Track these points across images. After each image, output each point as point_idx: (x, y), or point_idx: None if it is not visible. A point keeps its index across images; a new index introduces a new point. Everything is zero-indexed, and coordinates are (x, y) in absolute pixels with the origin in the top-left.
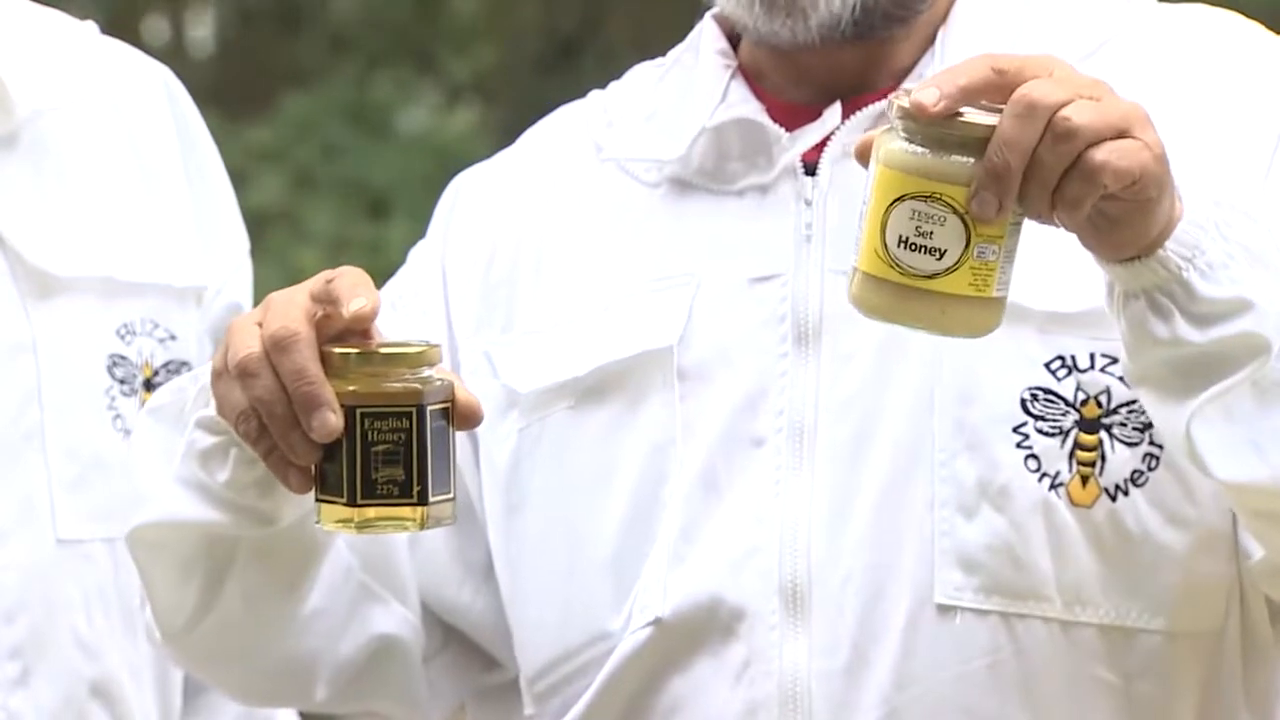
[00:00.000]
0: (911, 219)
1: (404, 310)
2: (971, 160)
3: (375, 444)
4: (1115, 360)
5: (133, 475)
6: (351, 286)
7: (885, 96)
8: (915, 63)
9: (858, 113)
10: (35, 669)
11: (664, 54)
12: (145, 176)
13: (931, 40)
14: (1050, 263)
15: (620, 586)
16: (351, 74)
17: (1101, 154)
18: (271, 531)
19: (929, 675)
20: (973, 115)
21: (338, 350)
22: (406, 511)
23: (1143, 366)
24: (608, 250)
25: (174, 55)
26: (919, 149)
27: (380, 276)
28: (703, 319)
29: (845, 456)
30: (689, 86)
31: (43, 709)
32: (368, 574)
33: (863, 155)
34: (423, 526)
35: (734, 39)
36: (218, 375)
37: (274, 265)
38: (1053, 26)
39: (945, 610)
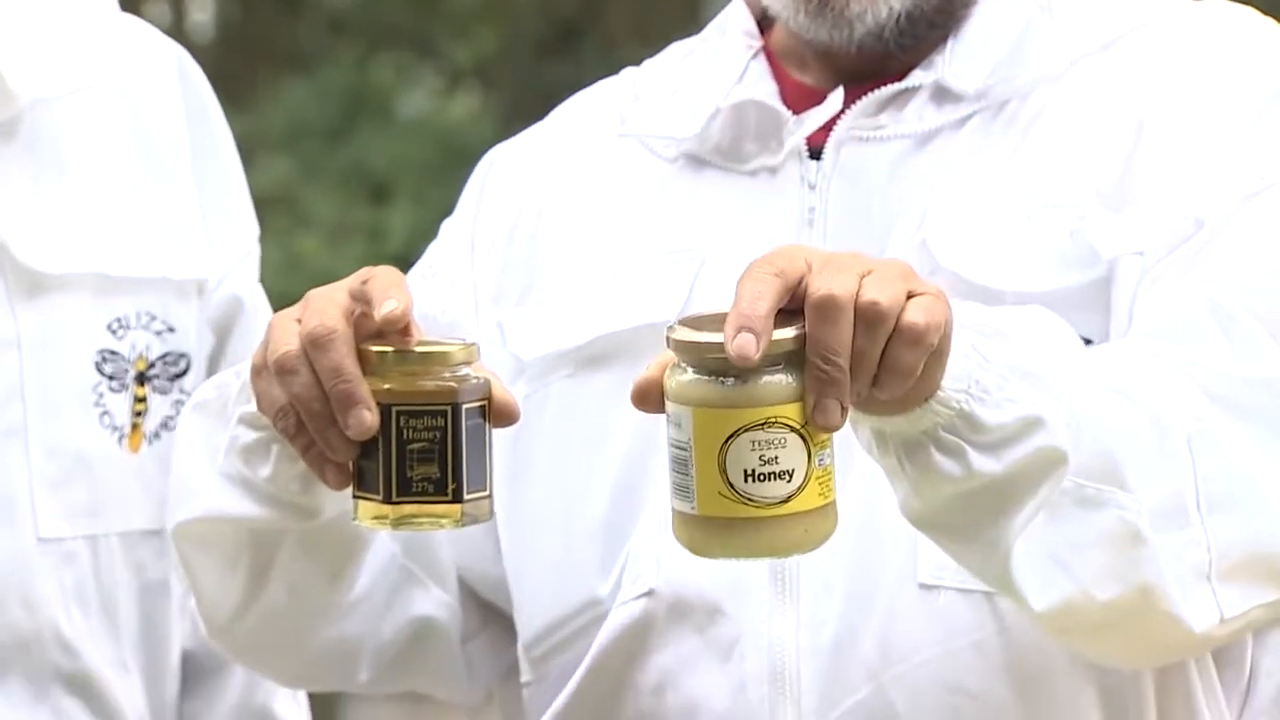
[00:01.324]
0: (753, 450)
1: (436, 281)
2: (788, 375)
3: (410, 442)
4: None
5: (177, 470)
6: (385, 288)
7: (891, 84)
8: (925, 55)
9: (862, 99)
10: (12, 665)
11: (664, 38)
12: (150, 167)
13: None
14: (1010, 246)
15: (609, 552)
16: (352, 59)
17: (919, 317)
18: (314, 525)
19: (915, 653)
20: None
21: (375, 348)
22: (441, 509)
23: (931, 508)
24: (620, 222)
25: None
26: (727, 380)
27: (380, 261)
28: (703, 295)
29: (835, 435)
30: (712, 65)
31: (17, 704)
32: (408, 558)
33: (644, 400)
34: (459, 524)
35: (762, 20)
36: (257, 371)
37: (275, 250)
38: (1069, 21)
39: (929, 589)
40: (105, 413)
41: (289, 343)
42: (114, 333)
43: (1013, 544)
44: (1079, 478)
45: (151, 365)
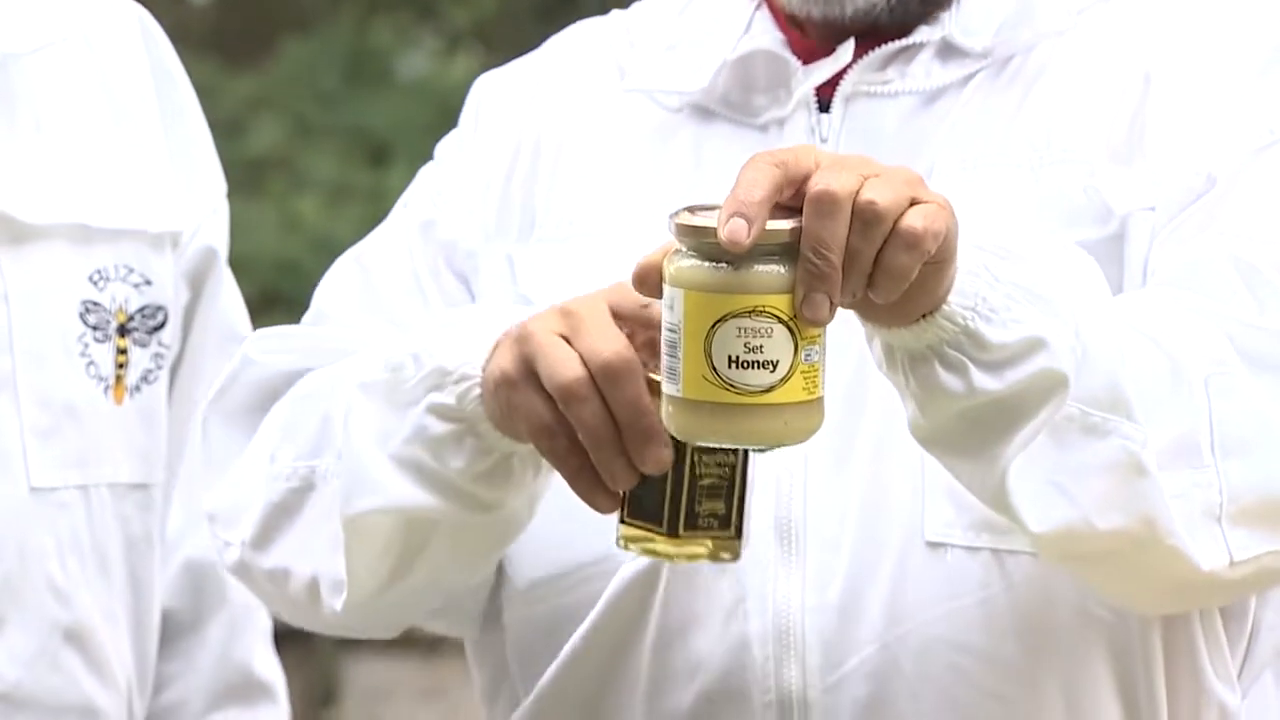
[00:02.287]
0: (739, 337)
1: (449, 208)
2: (781, 266)
3: (702, 478)
4: None
5: (350, 455)
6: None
7: (898, 39)
8: (931, 12)
9: (871, 52)
10: (9, 616)
11: None
12: (119, 121)
13: None
14: (1019, 203)
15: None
16: (351, 20)
17: (917, 222)
18: (484, 518)
19: (921, 612)
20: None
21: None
22: (724, 544)
23: (935, 424)
24: (628, 167)
25: (174, 1)
26: (721, 265)
27: (379, 222)
28: None
29: (844, 395)
30: (713, 17)
31: (16, 656)
32: None
33: (643, 283)
34: (736, 558)
35: None
36: (510, 384)
37: (274, 212)
38: None
39: (935, 547)
40: (91, 363)
41: (572, 368)
42: (95, 284)
43: (1010, 463)
44: (1085, 405)
45: (131, 318)
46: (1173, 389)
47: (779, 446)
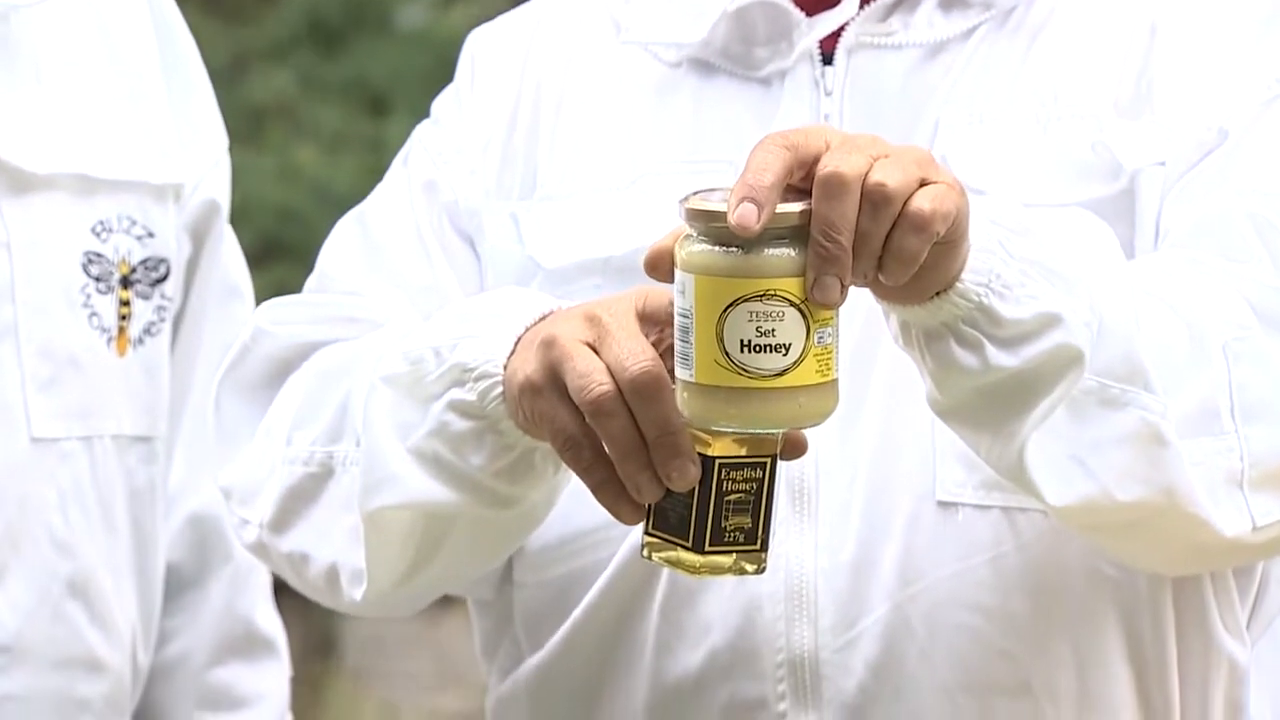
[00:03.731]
0: (750, 321)
1: (450, 168)
2: (792, 249)
3: (729, 493)
4: None
5: (370, 449)
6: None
7: None
8: None
9: (870, 4)
10: (10, 567)
11: None
12: (121, 73)
13: None
14: (1028, 159)
15: None
16: None
17: (926, 204)
18: (503, 514)
19: (932, 571)
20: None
21: None
22: (749, 558)
23: (952, 399)
24: (627, 123)
25: None
26: (732, 249)
27: (379, 173)
28: None
29: (852, 356)
30: None
31: (18, 606)
32: None
33: (655, 268)
34: (761, 570)
35: None
36: (535, 390)
37: (273, 161)
38: None
39: (947, 507)
40: (94, 314)
41: (599, 381)
42: (98, 235)
43: (1027, 438)
44: (1103, 378)
45: (134, 270)
46: (1191, 356)
47: (793, 428)
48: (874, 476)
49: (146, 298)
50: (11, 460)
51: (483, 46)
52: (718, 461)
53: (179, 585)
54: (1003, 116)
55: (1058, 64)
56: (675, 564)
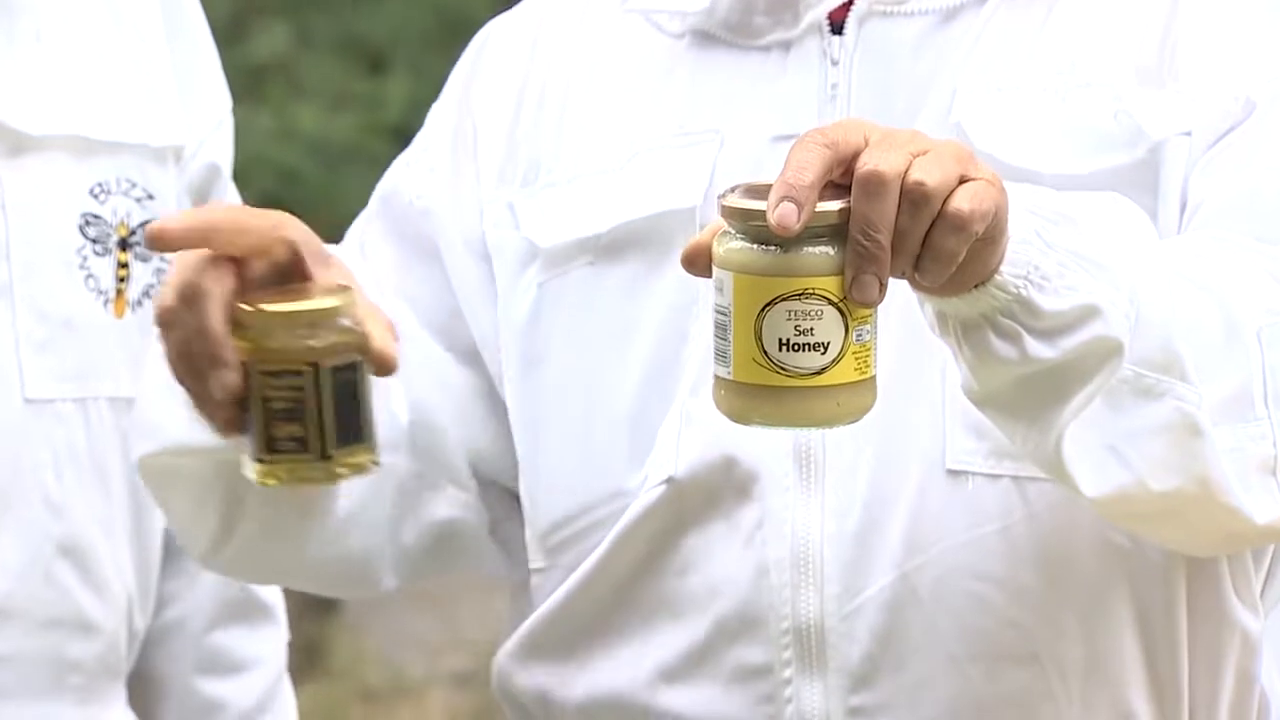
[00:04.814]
0: (789, 320)
1: (417, 167)
2: (830, 248)
3: (273, 401)
4: None
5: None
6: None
7: None
8: None
9: None
10: (1, 527)
11: None
12: (123, 34)
13: None
14: (1047, 128)
15: (638, 444)
16: None
17: (964, 204)
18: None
19: (940, 540)
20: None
21: (241, 305)
22: (308, 468)
23: (989, 389)
24: (630, 101)
25: None
26: (771, 248)
27: (378, 131)
28: (725, 177)
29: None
30: None
31: (8, 567)
32: (419, 462)
33: (692, 264)
34: (331, 481)
35: None
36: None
37: (272, 119)
38: None
39: (956, 475)
40: (90, 276)
41: (166, 295)
42: (96, 197)
43: (1065, 428)
44: (1139, 367)
45: (133, 232)
46: (1226, 343)
47: (831, 428)
48: (882, 444)
49: (145, 260)
50: (5, 421)
51: (489, 42)
52: (256, 369)
53: (177, 549)
54: (1020, 84)
55: (1076, 31)
56: (253, 474)
